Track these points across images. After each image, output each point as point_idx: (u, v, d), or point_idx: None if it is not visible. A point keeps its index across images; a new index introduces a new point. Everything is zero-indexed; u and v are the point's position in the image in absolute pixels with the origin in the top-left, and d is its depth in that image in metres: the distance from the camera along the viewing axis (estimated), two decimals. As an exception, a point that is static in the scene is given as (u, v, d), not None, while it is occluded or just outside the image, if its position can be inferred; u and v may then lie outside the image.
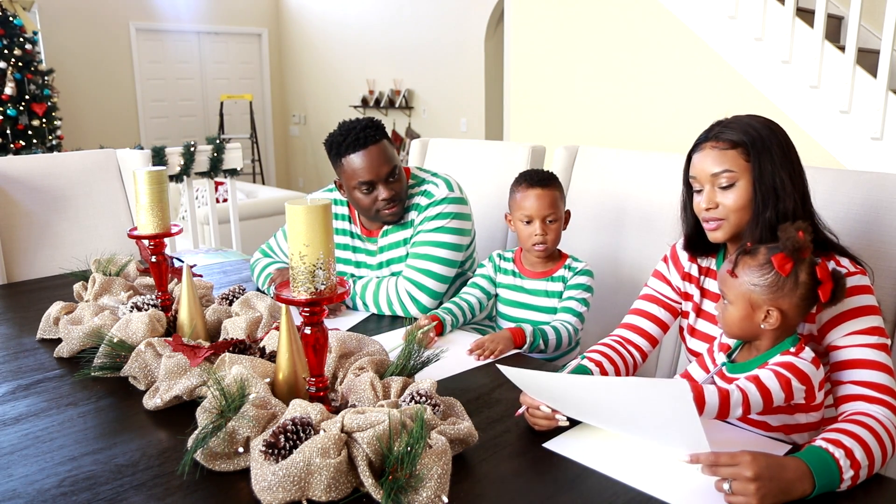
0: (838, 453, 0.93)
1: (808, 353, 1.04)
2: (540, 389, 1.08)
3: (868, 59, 2.77)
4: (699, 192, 1.22)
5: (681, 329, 1.38)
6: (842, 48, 2.68)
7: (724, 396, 0.97)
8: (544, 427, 1.10)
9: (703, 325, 1.32)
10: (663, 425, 0.98)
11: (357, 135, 1.64)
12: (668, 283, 1.38)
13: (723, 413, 0.97)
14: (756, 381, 1.00)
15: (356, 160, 1.65)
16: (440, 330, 1.55)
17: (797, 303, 1.04)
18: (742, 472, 0.88)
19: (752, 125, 1.17)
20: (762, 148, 1.15)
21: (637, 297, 1.42)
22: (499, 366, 1.13)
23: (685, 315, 1.36)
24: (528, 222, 1.56)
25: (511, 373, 1.09)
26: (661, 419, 0.97)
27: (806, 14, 2.87)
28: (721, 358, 1.15)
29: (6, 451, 1.06)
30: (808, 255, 1.03)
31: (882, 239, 1.38)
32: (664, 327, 1.38)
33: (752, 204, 1.16)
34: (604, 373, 1.26)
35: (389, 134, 1.74)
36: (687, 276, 1.34)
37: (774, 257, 1.02)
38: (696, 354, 1.30)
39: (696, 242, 1.30)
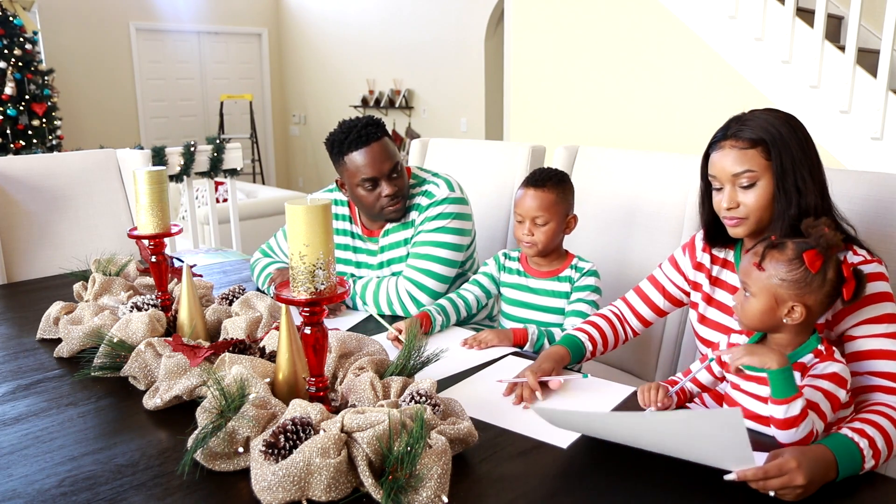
0: (863, 443, 0.96)
1: (838, 353, 1.05)
2: (576, 424, 1.06)
3: (868, 59, 2.77)
4: (719, 190, 1.21)
5: (692, 324, 1.38)
6: (842, 48, 2.68)
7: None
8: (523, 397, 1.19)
9: (713, 314, 1.32)
10: (712, 450, 0.94)
11: (359, 132, 1.65)
12: (680, 270, 1.39)
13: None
14: (818, 410, 1.00)
15: (358, 157, 1.65)
16: (428, 328, 1.56)
17: (822, 299, 1.04)
18: (793, 480, 0.89)
19: (771, 122, 1.16)
20: (782, 145, 1.14)
21: (646, 277, 1.45)
22: (533, 407, 1.09)
23: (694, 306, 1.36)
24: (521, 221, 1.56)
25: (544, 412, 1.06)
26: (711, 445, 0.93)
27: (806, 14, 2.87)
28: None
29: (6, 451, 1.06)
30: (838, 252, 1.04)
31: (883, 239, 1.38)
32: (659, 312, 1.44)
33: (774, 202, 1.16)
34: (594, 351, 1.39)
35: (389, 133, 1.74)
36: (698, 266, 1.35)
37: (806, 254, 1.02)
38: (709, 344, 1.31)
39: (714, 234, 1.30)
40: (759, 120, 1.17)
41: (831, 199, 1.19)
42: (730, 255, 1.31)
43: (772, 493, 0.90)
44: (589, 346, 1.38)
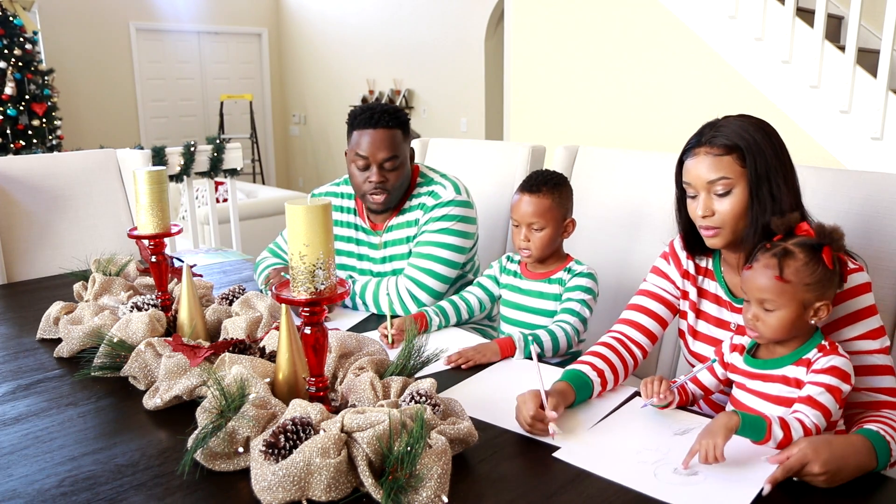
0: (888, 437, 0.99)
1: (841, 349, 1.06)
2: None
3: (868, 59, 2.77)
4: (693, 197, 1.20)
5: (681, 332, 1.37)
6: (842, 48, 2.68)
7: (788, 436, 0.98)
8: (532, 431, 1.09)
9: (703, 327, 1.31)
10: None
11: (373, 113, 1.70)
12: (669, 279, 1.36)
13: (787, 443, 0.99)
14: (814, 403, 1.00)
15: (362, 135, 1.70)
16: (424, 327, 1.56)
17: (835, 290, 1.07)
18: (810, 469, 0.92)
19: (746, 128, 1.15)
20: (757, 152, 1.13)
21: (635, 294, 1.39)
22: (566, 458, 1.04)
23: (684, 315, 1.35)
24: (517, 226, 1.55)
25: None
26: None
27: (806, 14, 2.87)
28: (735, 359, 1.15)
29: (6, 451, 1.06)
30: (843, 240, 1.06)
31: (882, 239, 1.38)
32: (664, 324, 1.35)
33: (749, 209, 1.15)
34: (604, 382, 1.22)
35: (408, 131, 1.77)
36: (685, 274, 1.33)
37: (825, 252, 1.03)
38: (702, 359, 1.30)
39: (692, 242, 1.29)
40: (734, 126, 1.15)
41: (804, 206, 1.19)
42: (710, 264, 1.31)
43: (794, 479, 0.93)
44: (593, 376, 1.22)
